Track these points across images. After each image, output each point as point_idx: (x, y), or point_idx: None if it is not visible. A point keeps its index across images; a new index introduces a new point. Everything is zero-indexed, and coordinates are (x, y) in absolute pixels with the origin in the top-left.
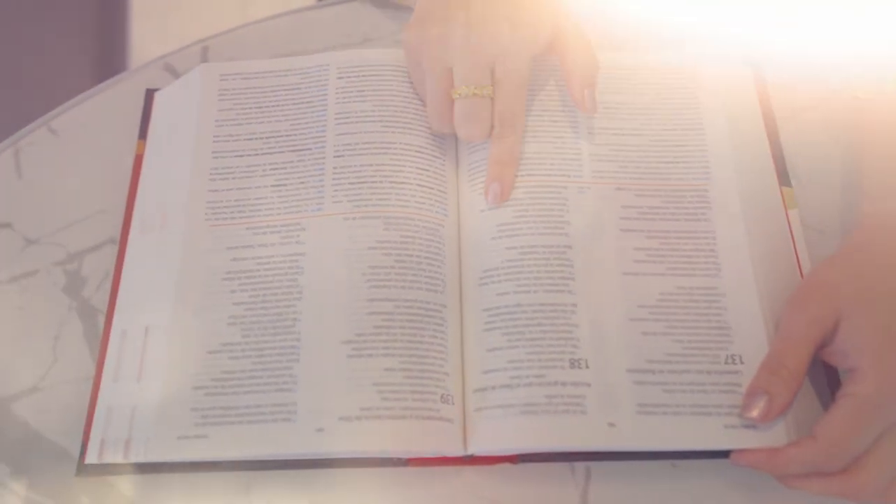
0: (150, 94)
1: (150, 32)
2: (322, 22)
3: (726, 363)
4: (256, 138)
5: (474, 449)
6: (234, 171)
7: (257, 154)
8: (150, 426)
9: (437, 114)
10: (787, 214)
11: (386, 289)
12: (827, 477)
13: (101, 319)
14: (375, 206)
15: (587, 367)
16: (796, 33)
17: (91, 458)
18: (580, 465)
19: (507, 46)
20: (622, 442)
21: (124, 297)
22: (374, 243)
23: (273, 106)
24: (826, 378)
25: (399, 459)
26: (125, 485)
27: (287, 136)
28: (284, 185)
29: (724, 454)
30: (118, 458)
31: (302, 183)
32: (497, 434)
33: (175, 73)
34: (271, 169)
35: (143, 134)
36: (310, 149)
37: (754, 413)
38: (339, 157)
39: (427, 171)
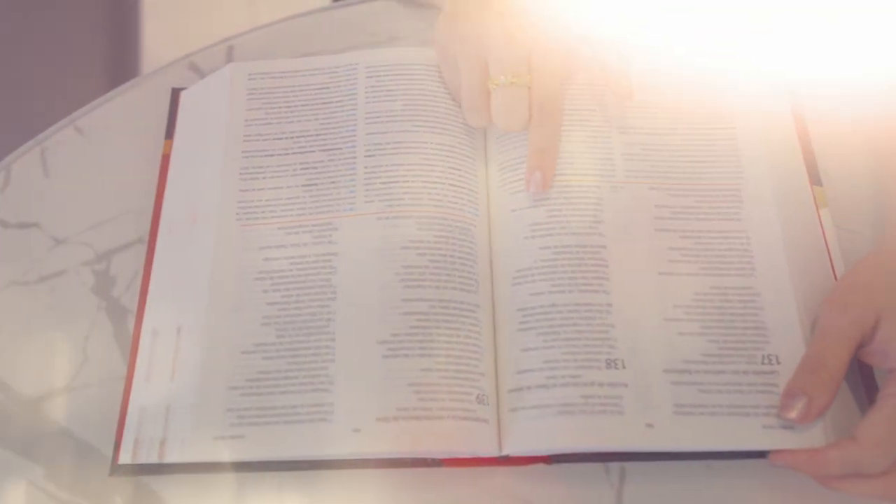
0: (175, 94)
1: (160, 30)
2: (348, 21)
3: (763, 363)
4: (286, 138)
5: (510, 449)
6: (265, 170)
7: (287, 153)
8: (185, 426)
9: (473, 107)
10: (818, 213)
11: (420, 289)
12: (868, 479)
13: (131, 319)
14: (408, 205)
15: (624, 367)
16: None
17: (124, 458)
18: (614, 466)
19: (542, 35)
20: (660, 442)
21: (155, 297)
22: (408, 243)
23: (302, 105)
24: (861, 377)
25: (434, 460)
26: (158, 485)
27: (317, 135)
28: (315, 184)
29: (760, 455)
30: (153, 459)
31: (333, 182)
32: (533, 434)
33: (200, 72)
34: (302, 168)
35: (169, 133)
36: (340, 148)
37: (793, 414)
38: (370, 156)
39: (459, 170)
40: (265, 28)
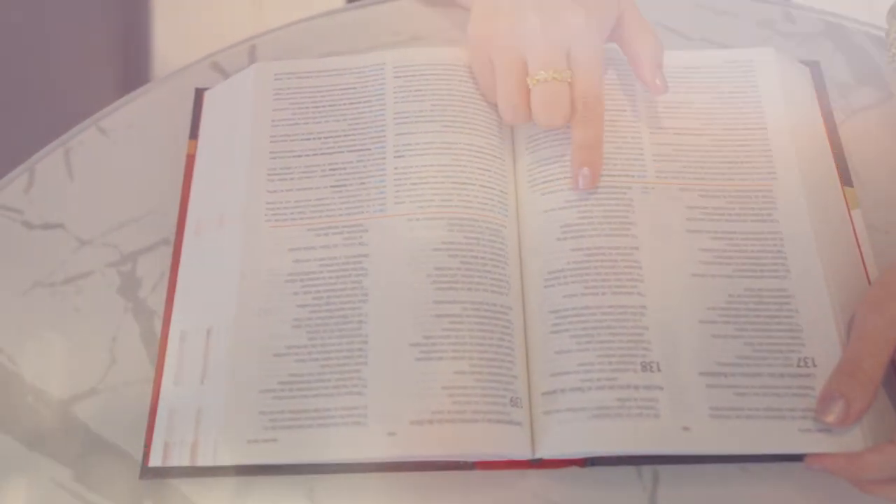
0: (199, 94)
1: (170, 32)
2: (370, 20)
3: (798, 366)
4: (314, 138)
5: (543, 452)
6: (293, 171)
7: (315, 154)
8: (217, 429)
9: (510, 105)
10: (850, 215)
11: (453, 291)
12: None
13: (158, 321)
14: (439, 207)
15: (659, 370)
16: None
17: (155, 460)
18: (647, 469)
19: (582, 30)
20: (697, 446)
21: (182, 298)
22: (439, 245)
23: (329, 105)
24: None
25: (465, 462)
26: (187, 487)
27: (345, 136)
28: (345, 185)
29: (796, 458)
30: (184, 461)
31: (362, 184)
32: (568, 437)
33: (222, 72)
34: (330, 169)
35: (194, 133)
36: (369, 149)
37: (831, 418)
38: (399, 157)
39: (488, 171)
40: (287, 28)
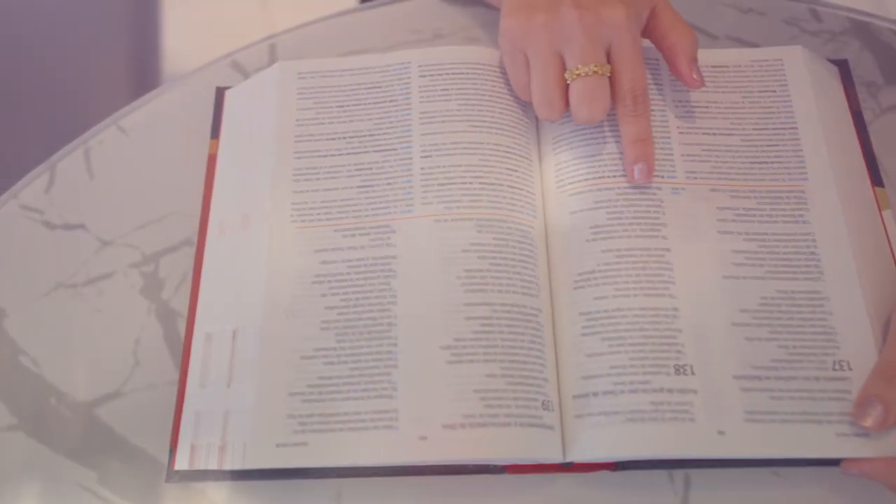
0: (220, 93)
1: (179, 26)
2: (391, 18)
3: (834, 369)
4: (339, 138)
5: (575, 456)
6: (318, 171)
7: (341, 154)
8: (245, 432)
9: (546, 100)
10: (881, 215)
11: (483, 293)
12: None
13: (181, 322)
14: (467, 207)
15: (693, 373)
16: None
17: (181, 464)
18: (678, 473)
19: (622, 25)
20: (733, 450)
21: (206, 299)
22: (468, 246)
23: (354, 105)
24: None
25: (496, 466)
26: (213, 491)
27: (371, 135)
28: (371, 185)
29: (830, 462)
30: (212, 465)
31: (389, 184)
32: (601, 441)
33: (242, 71)
34: (357, 170)
35: (215, 133)
36: (395, 149)
37: (868, 421)
38: (426, 157)
39: (516, 171)
40: (307, 26)
